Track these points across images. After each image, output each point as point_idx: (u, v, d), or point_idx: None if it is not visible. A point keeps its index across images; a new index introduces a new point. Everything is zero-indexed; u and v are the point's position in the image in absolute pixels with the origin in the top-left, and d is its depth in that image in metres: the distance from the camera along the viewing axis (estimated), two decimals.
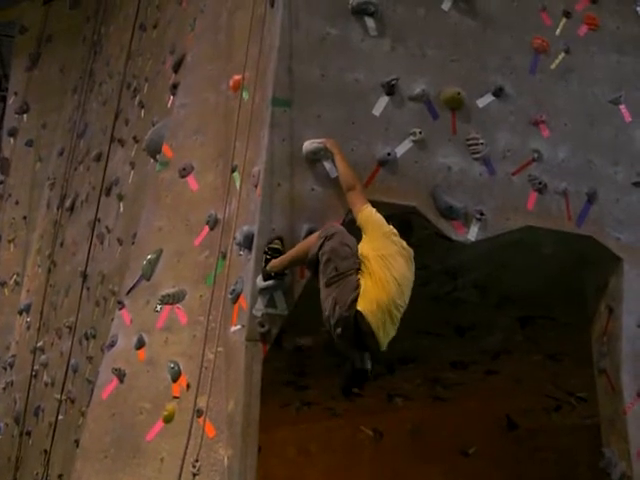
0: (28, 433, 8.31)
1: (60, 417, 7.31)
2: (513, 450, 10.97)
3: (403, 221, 4.91)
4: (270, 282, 4.89)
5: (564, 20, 6.14)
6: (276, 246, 4.88)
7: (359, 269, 4.55)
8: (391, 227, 4.72)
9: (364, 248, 4.63)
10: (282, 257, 4.85)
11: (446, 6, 5.78)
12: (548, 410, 10.64)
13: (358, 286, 4.48)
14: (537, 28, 6.04)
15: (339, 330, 4.48)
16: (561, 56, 6.06)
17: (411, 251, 4.73)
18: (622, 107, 6.17)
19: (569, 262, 6.11)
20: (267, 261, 4.87)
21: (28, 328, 9.47)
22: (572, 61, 6.08)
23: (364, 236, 4.71)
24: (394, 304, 4.54)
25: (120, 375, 5.48)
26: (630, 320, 5.86)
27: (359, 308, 4.44)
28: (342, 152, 5.06)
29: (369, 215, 4.75)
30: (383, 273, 4.51)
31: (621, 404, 5.71)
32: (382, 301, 4.48)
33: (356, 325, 4.45)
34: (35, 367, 8.53)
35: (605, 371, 5.91)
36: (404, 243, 4.70)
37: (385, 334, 4.56)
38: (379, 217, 4.74)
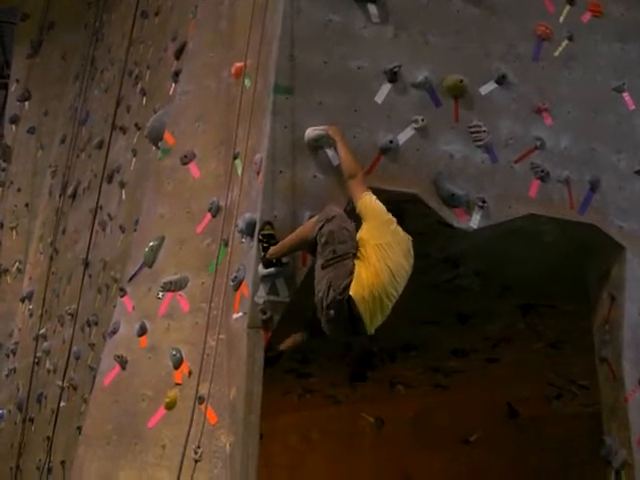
0: (31, 420, 8.35)
1: (62, 404, 7.33)
2: (514, 438, 11.00)
3: (398, 209, 4.90)
4: (272, 269, 4.89)
5: (568, 7, 6.10)
6: (268, 232, 4.87)
7: (355, 254, 4.57)
8: (390, 215, 4.72)
9: (363, 234, 4.64)
10: (281, 243, 4.85)
11: None
12: (549, 398, 10.66)
13: (353, 271, 4.51)
14: (540, 15, 6.00)
15: (332, 312, 4.52)
16: (564, 43, 6.03)
17: (409, 239, 4.73)
18: (625, 95, 6.15)
19: (571, 250, 6.10)
20: (265, 249, 4.87)
21: (30, 315, 9.50)
22: (575, 48, 6.05)
23: (363, 223, 4.71)
24: (385, 292, 4.55)
25: (122, 362, 5.49)
26: (632, 308, 5.86)
27: (351, 293, 4.47)
28: (344, 139, 5.05)
29: (368, 203, 4.74)
30: (378, 262, 4.52)
31: (622, 392, 5.72)
32: (374, 288, 4.50)
33: (349, 309, 4.48)
34: (37, 354, 8.56)
35: (606, 359, 5.91)
36: (402, 232, 4.69)
37: (372, 320, 4.59)
38: (378, 205, 4.73)
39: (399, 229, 4.69)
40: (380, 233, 4.62)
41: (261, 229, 4.89)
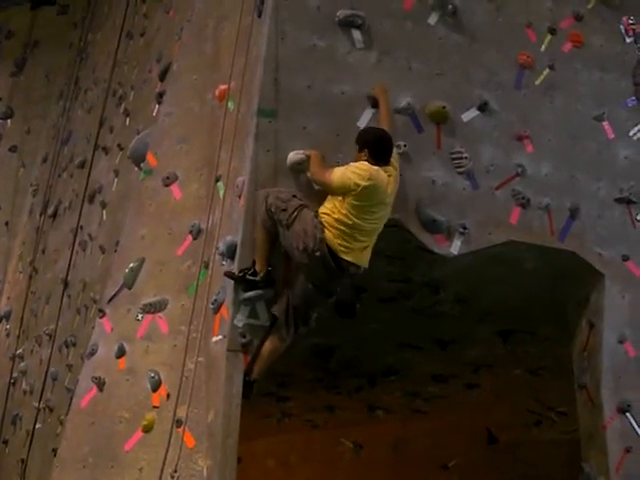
0: (5, 442, 8.23)
1: (38, 426, 7.24)
2: (493, 464, 10.98)
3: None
4: (253, 292, 4.89)
5: (549, 37, 6.19)
6: (240, 273, 4.91)
7: (304, 204, 4.87)
8: (361, 184, 4.79)
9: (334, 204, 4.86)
10: (257, 255, 4.89)
11: (432, 20, 5.81)
12: (528, 424, 10.66)
13: (317, 214, 4.82)
14: (522, 44, 6.08)
15: (318, 253, 4.73)
16: (545, 72, 6.11)
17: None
18: (605, 124, 6.22)
19: (551, 277, 6.14)
20: (252, 275, 4.87)
21: (8, 335, 9.39)
22: (556, 77, 6.13)
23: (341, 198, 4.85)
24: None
25: (100, 384, 5.44)
26: (611, 335, 5.89)
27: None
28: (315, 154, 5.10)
29: (338, 182, 4.84)
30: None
31: (601, 419, 5.74)
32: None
33: (328, 247, 4.75)
34: (14, 375, 8.46)
35: (585, 386, 5.93)
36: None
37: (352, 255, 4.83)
38: (344, 182, 4.81)
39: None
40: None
41: (234, 276, 4.92)
